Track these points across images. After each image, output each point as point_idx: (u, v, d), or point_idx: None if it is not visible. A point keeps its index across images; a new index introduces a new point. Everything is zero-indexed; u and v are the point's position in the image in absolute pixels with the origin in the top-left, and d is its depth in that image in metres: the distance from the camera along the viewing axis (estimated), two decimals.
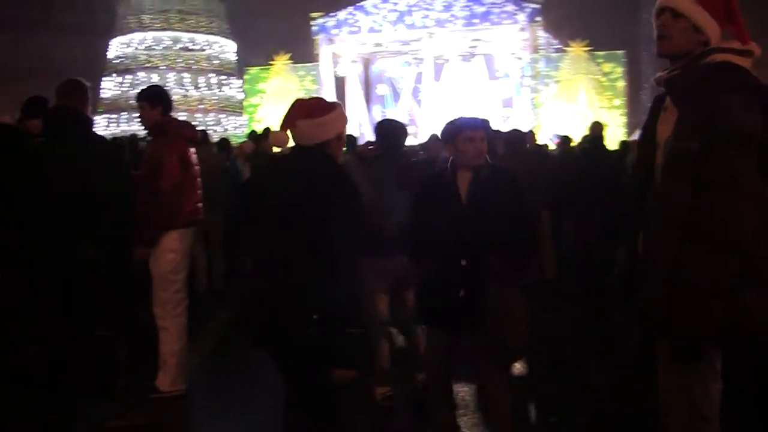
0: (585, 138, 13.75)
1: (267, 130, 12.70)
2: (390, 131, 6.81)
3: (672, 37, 3.45)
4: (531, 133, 14.36)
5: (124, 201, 5.95)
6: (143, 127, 6.51)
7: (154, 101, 6.38)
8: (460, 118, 5.12)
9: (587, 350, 7.81)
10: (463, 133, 4.94)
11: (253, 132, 15.37)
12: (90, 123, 6.20)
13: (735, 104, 3.16)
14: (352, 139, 13.16)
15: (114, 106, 34.28)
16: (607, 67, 26.20)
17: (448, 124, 5.15)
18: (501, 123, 28.22)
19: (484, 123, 5.32)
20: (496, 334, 4.72)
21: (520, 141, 11.20)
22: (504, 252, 4.75)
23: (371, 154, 7.40)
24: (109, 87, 35.37)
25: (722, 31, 3.41)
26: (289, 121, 4.18)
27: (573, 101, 26.26)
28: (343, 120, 4.31)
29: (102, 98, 35.48)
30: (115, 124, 33.72)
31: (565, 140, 14.58)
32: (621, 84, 26.50)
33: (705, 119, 3.19)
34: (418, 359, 6.45)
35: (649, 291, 3.36)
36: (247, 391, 6.70)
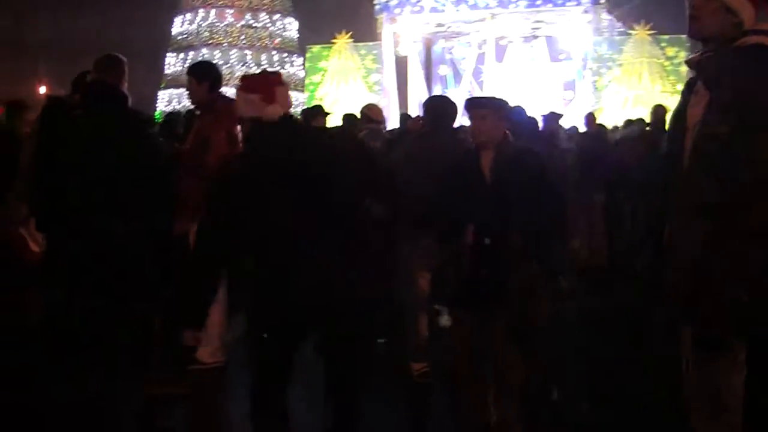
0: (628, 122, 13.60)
1: (318, 107, 12.69)
2: (436, 108, 6.78)
3: (703, 18, 3.34)
4: (591, 116, 14.21)
5: (158, 175, 5.97)
6: (191, 103, 6.52)
7: (201, 77, 6.33)
8: (469, 98, 5.14)
9: (610, 338, 7.75)
10: (468, 112, 4.96)
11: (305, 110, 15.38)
12: (124, 97, 6.22)
13: (767, 89, 3.06)
14: (405, 117, 13.17)
15: (176, 82, 34.60)
16: (671, 51, 25.72)
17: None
18: (562, 106, 27.98)
19: (491, 101, 5.23)
20: (515, 310, 4.68)
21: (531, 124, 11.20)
22: (526, 233, 4.70)
23: (418, 129, 7.38)
24: (172, 63, 35.69)
25: (757, 12, 3.29)
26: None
27: (635, 85, 25.88)
28: None
29: (165, 74, 35.87)
30: (177, 100, 34.07)
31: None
32: (684, 69, 26.00)
33: (735, 102, 3.09)
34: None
35: (674, 279, 3.28)
36: None
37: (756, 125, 3.04)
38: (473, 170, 4.95)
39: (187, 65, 33.51)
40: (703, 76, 3.36)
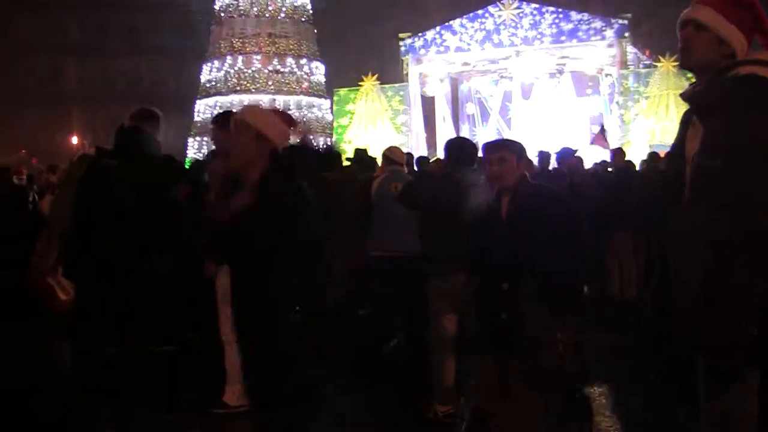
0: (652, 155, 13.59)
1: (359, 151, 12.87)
2: (454, 148, 6.88)
3: (695, 49, 3.38)
4: (619, 151, 14.21)
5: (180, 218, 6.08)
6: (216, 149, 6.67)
7: (225, 124, 6.50)
8: (487, 142, 5.17)
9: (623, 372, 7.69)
10: (486, 155, 4.99)
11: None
12: (157, 144, 6.35)
13: (759, 120, 3.06)
14: (422, 160, 13.32)
15: (206, 129, 34.88)
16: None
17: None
18: (589, 141, 27.95)
19: (509, 143, 5.27)
20: (531, 358, 4.68)
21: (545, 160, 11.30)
22: (540, 277, 4.70)
23: (438, 171, 7.45)
24: (201, 110, 36.05)
25: (750, 42, 3.31)
26: None
27: (662, 117, 25.77)
28: None
29: (195, 121, 36.19)
30: (207, 147, 34.36)
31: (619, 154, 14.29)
32: None
33: (729, 136, 3.10)
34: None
35: (682, 311, 3.28)
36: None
37: (749, 157, 3.05)
38: (493, 213, 4.98)
39: (215, 112, 34.09)
40: (697, 110, 3.37)
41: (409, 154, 13.11)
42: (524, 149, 5.21)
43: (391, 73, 31.51)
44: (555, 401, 4.90)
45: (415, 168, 12.52)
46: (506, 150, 5.05)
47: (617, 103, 27.52)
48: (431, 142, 29.92)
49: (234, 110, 7.07)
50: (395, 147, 9.92)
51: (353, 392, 7.33)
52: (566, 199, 5.39)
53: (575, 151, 12.54)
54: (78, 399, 6.42)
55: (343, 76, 35.02)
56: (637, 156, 20.00)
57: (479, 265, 4.99)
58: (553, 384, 4.84)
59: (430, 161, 12.16)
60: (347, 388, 7.36)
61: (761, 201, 3.04)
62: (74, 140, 46.07)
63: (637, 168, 14.81)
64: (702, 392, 3.45)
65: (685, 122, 3.52)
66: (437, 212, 6.65)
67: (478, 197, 6.12)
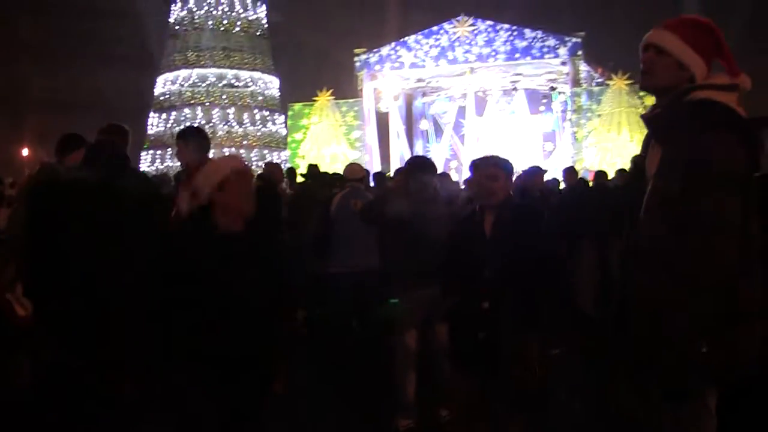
0: (620, 172, 13.72)
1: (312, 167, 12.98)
2: (415, 166, 6.95)
3: (656, 73, 3.48)
4: (570, 169, 14.35)
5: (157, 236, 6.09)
6: (181, 164, 6.68)
7: (188, 140, 6.53)
8: (477, 158, 5.17)
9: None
10: (479, 170, 5.00)
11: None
12: (128, 160, 6.35)
13: (714, 144, 3.15)
14: (380, 176, 13.40)
15: (159, 143, 34.69)
16: (650, 100, 25.66)
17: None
18: (542, 158, 28.18)
19: (505, 162, 5.28)
20: (507, 378, 4.71)
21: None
22: (522, 294, 4.72)
23: (399, 187, 7.51)
24: (155, 123, 35.81)
25: (710, 66, 3.39)
26: None
27: (615, 135, 26.03)
28: None
29: (148, 134, 35.93)
30: (160, 160, 34.14)
31: (600, 175, 14.50)
32: None
33: (684, 160, 3.18)
34: (443, 393, 6.47)
35: (636, 329, 3.34)
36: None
37: (703, 183, 3.13)
38: (475, 230, 5.00)
39: (169, 125, 33.92)
40: (655, 133, 3.45)
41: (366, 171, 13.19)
42: (513, 167, 5.26)
43: (345, 88, 31.53)
44: (534, 418, 4.95)
45: (372, 184, 12.55)
46: (497, 167, 5.09)
47: (570, 120, 27.78)
48: (385, 158, 29.96)
49: (196, 125, 7.09)
50: (355, 164, 10.03)
51: (317, 405, 7.32)
52: (548, 217, 5.41)
53: (545, 171, 12.64)
54: (37, 415, 6.34)
55: (298, 90, 35.00)
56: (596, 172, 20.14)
57: (457, 283, 5.00)
58: (531, 401, 4.89)
59: (391, 177, 12.18)
60: (312, 400, 7.34)
61: (715, 223, 3.12)
62: (25, 152, 45.50)
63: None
64: (660, 412, 3.50)
65: (647, 143, 3.61)
66: (399, 228, 6.69)
67: (437, 213, 6.19)
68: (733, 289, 3.11)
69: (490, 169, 5.04)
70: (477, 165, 5.16)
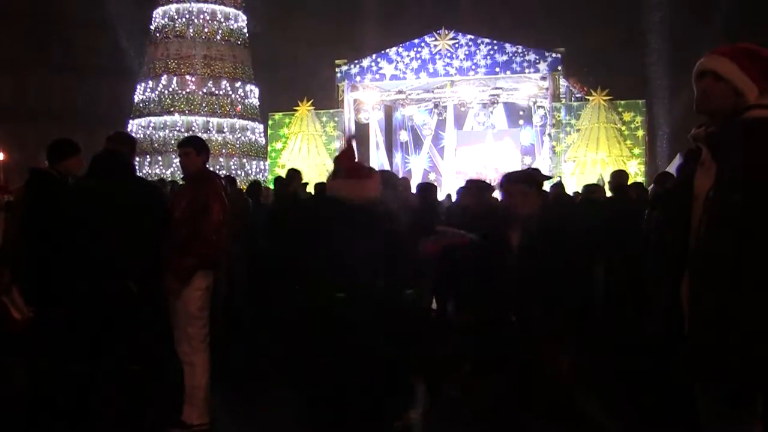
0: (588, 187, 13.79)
1: (292, 171, 13.07)
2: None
3: (712, 98, 3.61)
4: (560, 184, 14.41)
5: (160, 240, 6.26)
6: (183, 172, 6.81)
7: (201, 149, 6.72)
8: (521, 172, 5.21)
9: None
10: (512, 185, 5.05)
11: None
12: (133, 167, 6.50)
13: None
14: None
15: (138, 150, 34.44)
16: (628, 116, 26.17)
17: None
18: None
19: (530, 176, 5.34)
20: (536, 389, 4.78)
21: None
22: (548, 303, 4.80)
23: None
24: (134, 130, 35.73)
25: (761, 90, 3.55)
26: None
27: (593, 150, 26.28)
28: None
29: None
30: (138, 167, 34.02)
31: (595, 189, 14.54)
32: (641, 133, 26.54)
33: (746, 174, 3.33)
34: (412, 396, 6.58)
35: (699, 337, 3.45)
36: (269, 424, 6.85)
37: (765, 189, 3.29)
38: (500, 242, 5.08)
39: (149, 132, 33.82)
40: (711, 150, 3.58)
41: None
42: (542, 182, 5.34)
43: (326, 98, 31.63)
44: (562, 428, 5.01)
45: None
46: (528, 184, 5.15)
47: (549, 134, 27.99)
48: None
49: (191, 134, 7.23)
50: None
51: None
52: (572, 230, 5.49)
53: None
54: (35, 418, 6.38)
55: (278, 100, 35.04)
56: (569, 187, 20.30)
57: (482, 296, 5.06)
58: (559, 411, 4.96)
59: None
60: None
61: None
62: None
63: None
64: (706, 419, 3.62)
65: (692, 161, 3.72)
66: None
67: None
68: None
69: (519, 184, 5.10)
70: (509, 179, 5.19)
